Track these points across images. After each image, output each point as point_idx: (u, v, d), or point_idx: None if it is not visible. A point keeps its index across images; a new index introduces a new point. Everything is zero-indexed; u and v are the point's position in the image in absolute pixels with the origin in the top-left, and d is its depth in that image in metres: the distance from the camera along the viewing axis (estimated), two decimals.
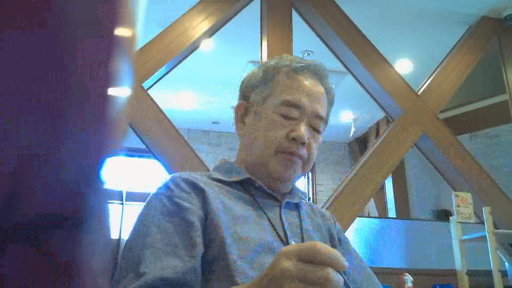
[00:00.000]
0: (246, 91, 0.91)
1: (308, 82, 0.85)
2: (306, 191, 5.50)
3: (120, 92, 0.22)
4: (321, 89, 0.87)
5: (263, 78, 0.88)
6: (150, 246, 0.66)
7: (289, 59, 0.88)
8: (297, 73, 0.86)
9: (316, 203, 5.19)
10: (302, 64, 0.86)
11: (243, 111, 0.91)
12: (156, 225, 0.70)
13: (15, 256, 0.19)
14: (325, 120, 0.88)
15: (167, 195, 0.75)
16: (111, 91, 0.21)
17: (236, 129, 0.93)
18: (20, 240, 0.19)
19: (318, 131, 0.86)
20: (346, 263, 0.50)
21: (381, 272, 1.76)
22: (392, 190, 4.88)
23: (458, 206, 2.42)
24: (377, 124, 5.31)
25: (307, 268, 0.48)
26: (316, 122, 0.85)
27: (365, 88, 2.92)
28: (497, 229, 2.43)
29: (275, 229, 0.78)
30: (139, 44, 2.19)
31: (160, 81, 2.61)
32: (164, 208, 0.73)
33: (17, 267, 0.19)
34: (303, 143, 0.81)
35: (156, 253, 0.65)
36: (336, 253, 0.49)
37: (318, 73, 0.87)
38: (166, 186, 0.78)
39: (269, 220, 0.78)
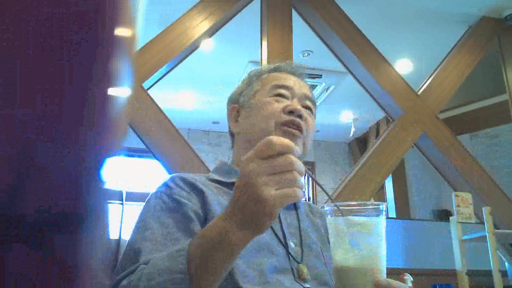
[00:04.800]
0: (234, 97, 0.97)
1: (287, 75, 0.93)
2: (306, 191, 5.51)
3: (120, 92, 0.22)
4: (301, 80, 0.94)
5: (248, 83, 0.95)
6: (150, 239, 0.67)
7: (266, 66, 0.98)
8: (277, 71, 0.95)
9: (316, 203, 5.19)
10: (280, 63, 0.96)
11: (235, 113, 0.95)
12: (156, 221, 0.70)
13: (18, 256, 0.19)
14: (314, 103, 0.93)
15: (167, 193, 0.76)
16: (111, 91, 0.21)
17: (231, 128, 0.94)
18: (23, 241, 0.19)
19: (310, 110, 0.91)
20: (298, 148, 0.54)
21: None
22: (392, 190, 4.88)
23: (458, 206, 2.42)
24: (377, 124, 5.31)
25: (269, 161, 0.51)
26: (307, 103, 0.90)
27: (365, 88, 2.92)
28: (497, 229, 2.43)
29: (273, 230, 0.78)
30: (139, 44, 2.19)
31: (160, 81, 2.61)
32: (164, 205, 0.73)
33: (20, 266, 0.19)
34: (300, 116, 0.84)
35: (156, 245, 0.66)
36: (288, 141, 0.53)
37: (294, 71, 0.95)
38: (165, 184, 0.78)
39: None
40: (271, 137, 0.53)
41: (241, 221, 0.52)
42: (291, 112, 0.84)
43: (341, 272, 0.58)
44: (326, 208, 0.61)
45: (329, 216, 0.61)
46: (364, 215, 0.58)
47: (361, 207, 0.59)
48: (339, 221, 0.59)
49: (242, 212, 0.52)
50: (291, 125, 0.83)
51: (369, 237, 0.58)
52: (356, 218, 0.58)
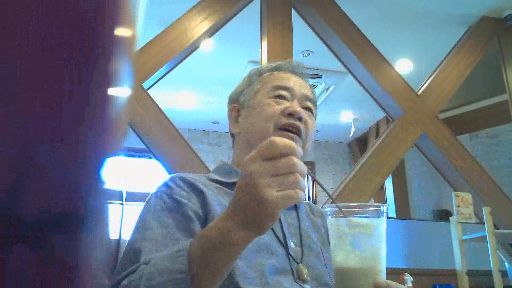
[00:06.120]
0: (235, 97, 0.97)
1: (288, 75, 0.92)
2: (306, 191, 5.51)
3: (120, 92, 0.22)
4: (301, 80, 0.93)
5: (249, 82, 0.95)
6: (150, 239, 0.67)
7: (267, 65, 0.97)
8: (278, 70, 0.94)
9: (316, 203, 5.19)
10: (281, 62, 0.95)
11: (236, 113, 0.94)
12: (157, 220, 0.70)
13: (18, 257, 0.19)
14: (314, 103, 0.92)
15: (167, 193, 0.76)
16: (111, 91, 0.21)
17: (231, 129, 0.94)
18: (23, 241, 0.19)
19: (311, 111, 0.90)
20: (300, 149, 0.53)
21: None
22: (392, 190, 4.88)
23: (458, 206, 2.42)
24: (377, 124, 5.31)
25: (272, 163, 0.51)
26: (307, 104, 0.89)
27: (365, 88, 2.92)
28: (497, 229, 2.43)
29: (273, 230, 0.78)
30: (139, 44, 2.19)
31: (160, 81, 2.61)
32: (164, 205, 0.73)
33: (20, 267, 0.19)
34: (300, 118, 0.84)
35: (156, 245, 0.66)
36: (291, 142, 0.53)
37: (295, 71, 0.94)
38: (165, 184, 0.78)
39: None
40: (273, 137, 0.52)
41: (242, 221, 0.52)
42: (290, 115, 0.83)
43: (342, 273, 0.58)
44: (327, 209, 0.61)
45: (329, 217, 0.61)
46: (365, 217, 0.58)
47: (362, 209, 0.59)
48: (341, 222, 0.59)
49: (244, 213, 0.51)
50: (290, 128, 0.83)
51: (370, 238, 0.58)
52: (358, 220, 0.58)
